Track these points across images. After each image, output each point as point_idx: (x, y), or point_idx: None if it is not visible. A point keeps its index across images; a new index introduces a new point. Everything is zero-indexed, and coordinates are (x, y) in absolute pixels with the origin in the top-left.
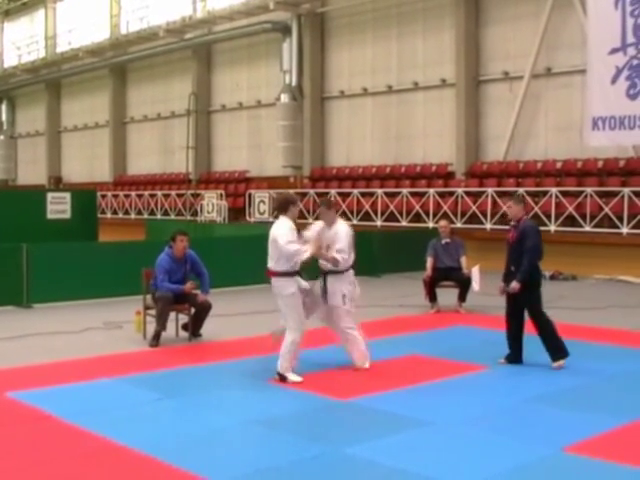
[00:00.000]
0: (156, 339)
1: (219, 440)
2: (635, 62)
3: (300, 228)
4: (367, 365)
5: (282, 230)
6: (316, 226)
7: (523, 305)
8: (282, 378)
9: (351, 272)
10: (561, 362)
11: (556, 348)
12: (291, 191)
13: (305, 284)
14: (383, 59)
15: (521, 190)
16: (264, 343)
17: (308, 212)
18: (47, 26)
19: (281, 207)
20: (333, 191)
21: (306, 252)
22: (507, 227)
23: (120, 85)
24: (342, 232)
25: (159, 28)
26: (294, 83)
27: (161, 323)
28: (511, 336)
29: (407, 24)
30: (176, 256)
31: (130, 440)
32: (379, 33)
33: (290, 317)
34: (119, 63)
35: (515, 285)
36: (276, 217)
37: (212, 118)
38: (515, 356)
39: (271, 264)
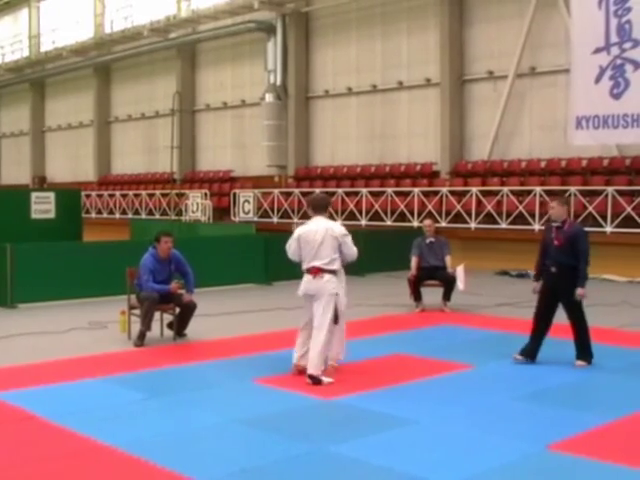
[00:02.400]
0: (141, 339)
1: (204, 440)
2: (619, 62)
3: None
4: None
5: (344, 230)
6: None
7: (567, 304)
8: (316, 381)
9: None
10: (584, 362)
11: (586, 348)
12: (275, 191)
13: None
14: (367, 59)
15: (505, 189)
16: (249, 342)
17: (293, 212)
18: (31, 25)
19: (323, 207)
20: (318, 190)
21: None
22: (544, 227)
23: (104, 84)
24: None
25: (143, 27)
26: (278, 82)
27: (146, 323)
28: (537, 336)
29: (391, 24)
30: (160, 256)
31: (115, 440)
32: (363, 32)
33: (329, 315)
34: (103, 62)
35: (581, 291)
36: (311, 216)
37: (196, 117)
38: (533, 354)
39: (322, 263)
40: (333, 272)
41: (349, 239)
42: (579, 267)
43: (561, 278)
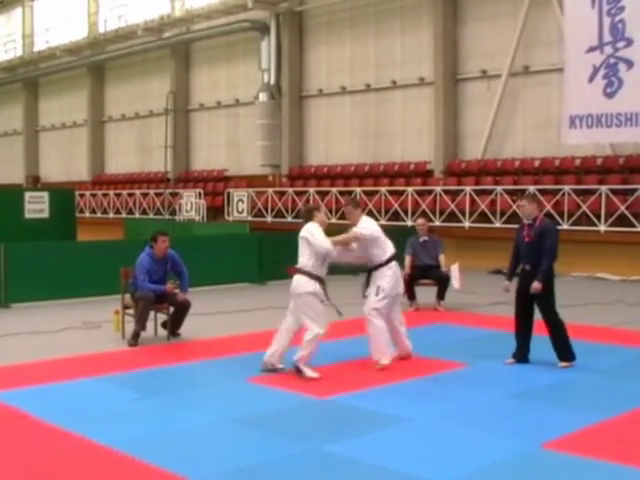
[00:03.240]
0: (135, 338)
1: (198, 439)
2: (612, 61)
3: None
4: (383, 361)
5: (314, 229)
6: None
7: (538, 304)
8: (299, 370)
9: (392, 264)
10: (568, 363)
11: (565, 348)
12: (269, 190)
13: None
14: (361, 57)
15: (499, 188)
16: (243, 342)
17: (287, 211)
18: (24, 24)
19: (307, 216)
20: (312, 190)
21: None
22: (517, 225)
23: (98, 84)
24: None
25: (137, 27)
26: (272, 82)
27: (141, 323)
28: (520, 336)
29: (385, 22)
30: (157, 256)
31: (109, 439)
32: (357, 31)
33: (307, 314)
34: (97, 62)
35: (537, 285)
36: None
37: (190, 117)
38: (523, 355)
39: (301, 263)
40: (308, 274)
41: (317, 236)
42: (541, 261)
43: (534, 276)
